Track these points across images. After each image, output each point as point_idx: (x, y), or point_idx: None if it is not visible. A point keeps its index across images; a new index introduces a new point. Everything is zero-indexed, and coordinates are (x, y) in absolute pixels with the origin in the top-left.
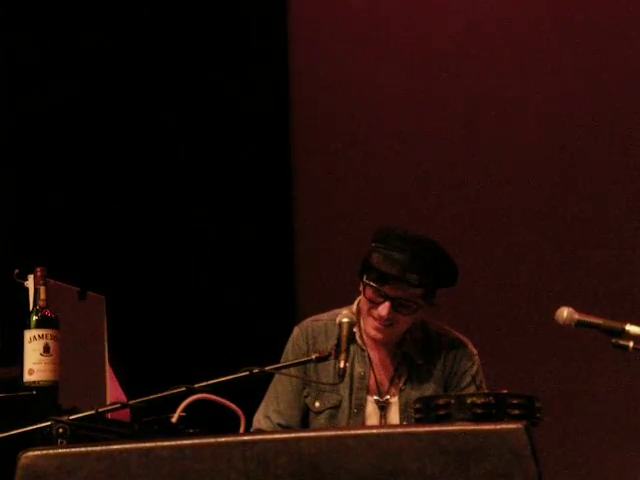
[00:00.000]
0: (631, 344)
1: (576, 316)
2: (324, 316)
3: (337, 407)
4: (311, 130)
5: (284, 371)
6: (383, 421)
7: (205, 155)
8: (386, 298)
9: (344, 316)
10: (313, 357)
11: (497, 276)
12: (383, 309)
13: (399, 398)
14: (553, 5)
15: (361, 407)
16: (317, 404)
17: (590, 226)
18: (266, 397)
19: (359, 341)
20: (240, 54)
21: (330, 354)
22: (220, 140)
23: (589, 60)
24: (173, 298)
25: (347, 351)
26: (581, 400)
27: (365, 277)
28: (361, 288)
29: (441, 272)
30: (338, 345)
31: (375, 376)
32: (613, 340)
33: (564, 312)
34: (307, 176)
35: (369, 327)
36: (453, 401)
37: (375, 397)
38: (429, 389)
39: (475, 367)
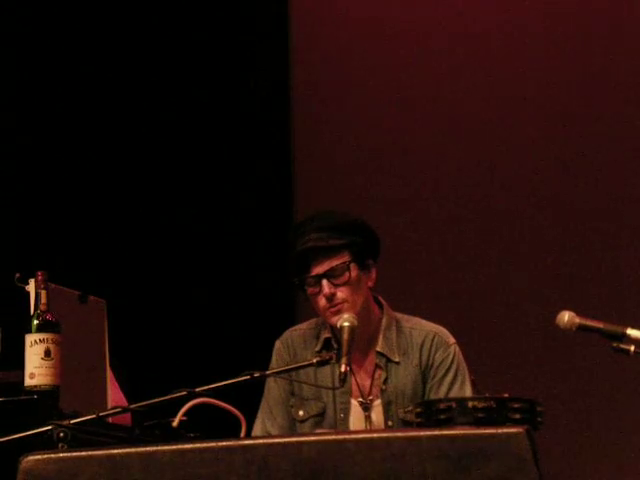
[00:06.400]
0: (632, 348)
1: (577, 320)
2: (303, 325)
3: (321, 414)
4: (312, 129)
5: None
6: (368, 422)
7: (205, 157)
8: (319, 278)
9: (344, 320)
10: (314, 360)
11: (498, 279)
12: (324, 288)
13: (381, 399)
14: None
15: (347, 411)
16: (301, 413)
17: (592, 229)
18: (260, 412)
19: (335, 346)
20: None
21: (331, 357)
22: (220, 142)
23: (591, 58)
24: (174, 302)
25: (349, 355)
26: (582, 405)
27: (296, 278)
28: (307, 292)
29: (349, 227)
30: (339, 349)
31: (356, 379)
32: (614, 344)
33: (565, 316)
34: (307, 180)
35: (330, 318)
36: (454, 405)
37: (359, 399)
38: (408, 386)
39: (451, 357)
